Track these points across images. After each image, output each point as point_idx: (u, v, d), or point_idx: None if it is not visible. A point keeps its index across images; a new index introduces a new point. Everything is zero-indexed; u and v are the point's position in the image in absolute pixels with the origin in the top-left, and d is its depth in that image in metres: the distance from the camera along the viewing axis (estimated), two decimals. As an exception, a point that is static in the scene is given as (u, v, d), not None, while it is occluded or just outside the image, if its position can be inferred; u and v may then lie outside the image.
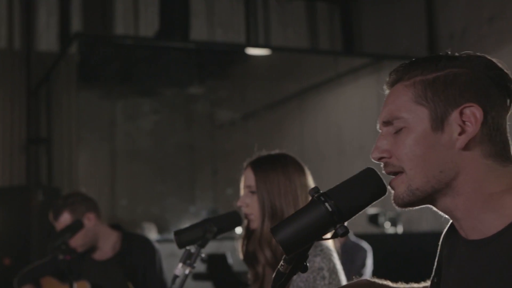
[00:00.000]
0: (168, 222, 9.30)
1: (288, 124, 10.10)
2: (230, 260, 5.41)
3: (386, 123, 1.38)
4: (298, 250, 1.32)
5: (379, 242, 6.52)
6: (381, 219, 7.82)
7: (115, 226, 3.77)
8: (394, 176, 1.37)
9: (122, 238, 3.71)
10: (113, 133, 9.78)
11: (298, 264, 1.37)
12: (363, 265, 5.19)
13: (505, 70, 1.35)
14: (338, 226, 1.29)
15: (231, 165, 10.40)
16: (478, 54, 1.36)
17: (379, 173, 1.33)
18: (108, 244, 3.67)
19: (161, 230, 8.42)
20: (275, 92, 10.33)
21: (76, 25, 8.49)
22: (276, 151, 2.47)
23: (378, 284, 1.60)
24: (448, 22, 8.07)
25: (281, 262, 1.36)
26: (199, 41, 8.64)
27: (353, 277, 1.65)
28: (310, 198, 2.39)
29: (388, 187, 1.35)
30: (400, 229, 7.83)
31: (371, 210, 7.87)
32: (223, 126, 10.72)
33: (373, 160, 1.39)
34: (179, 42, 8.14)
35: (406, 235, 7.78)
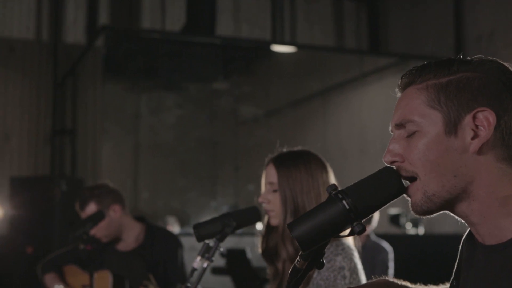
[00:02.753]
0: (189, 216, 9.34)
1: (311, 122, 10.09)
2: (249, 255, 5.43)
3: (399, 125, 1.37)
4: (315, 247, 1.32)
5: (400, 242, 6.49)
6: (402, 220, 7.79)
7: (139, 218, 3.81)
8: (407, 180, 1.36)
9: (146, 231, 3.74)
10: (137, 126, 9.83)
11: (315, 260, 1.37)
12: (384, 265, 5.17)
13: None
14: (355, 224, 1.29)
15: (253, 161, 10.41)
16: (491, 58, 1.36)
17: (397, 172, 1.34)
18: (131, 236, 3.71)
19: (181, 223, 8.46)
20: (299, 90, 10.32)
21: (103, 18, 8.56)
22: (299, 148, 2.47)
23: (397, 284, 1.59)
24: (475, 25, 8.00)
25: (298, 258, 1.37)
26: (224, 37, 8.66)
27: (372, 276, 1.65)
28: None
29: (404, 195, 1.35)
30: (421, 231, 7.80)
31: (392, 210, 7.84)
32: (246, 122, 10.74)
33: (385, 163, 1.38)
34: (205, 37, 8.17)
35: (427, 237, 7.75)
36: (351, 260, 2.27)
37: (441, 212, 1.36)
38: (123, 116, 9.56)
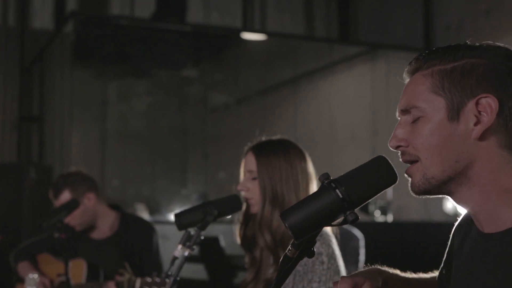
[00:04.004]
0: (159, 204, 9.29)
1: (281, 110, 10.10)
2: (222, 243, 5.43)
3: (404, 111, 1.40)
4: (307, 236, 1.33)
5: (369, 230, 6.55)
6: (371, 207, 7.85)
7: (114, 207, 3.79)
8: (410, 165, 1.39)
9: (121, 219, 3.73)
10: (106, 113, 9.75)
11: (306, 249, 1.38)
12: (355, 252, 5.21)
13: None
14: (348, 213, 1.30)
15: (223, 149, 10.41)
16: (499, 44, 1.37)
17: (390, 161, 1.35)
18: (106, 224, 3.69)
19: (152, 212, 8.42)
20: (269, 78, 10.32)
21: (71, 3, 8.43)
22: (277, 137, 2.49)
23: (388, 272, 1.61)
24: (444, 14, 8.08)
25: (289, 247, 1.37)
26: (195, 24, 8.61)
27: (365, 265, 1.66)
28: (311, 183, 2.42)
29: (405, 175, 1.38)
30: (390, 218, 7.88)
31: (361, 198, 7.88)
32: (216, 110, 10.72)
33: (390, 148, 1.40)
34: (175, 24, 8.11)
35: (395, 224, 7.83)
36: (329, 246, 2.30)
37: (440, 195, 1.38)
38: (91, 103, 9.47)
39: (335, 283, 1.52)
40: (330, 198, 1.29)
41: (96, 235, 3.71)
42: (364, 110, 8.88)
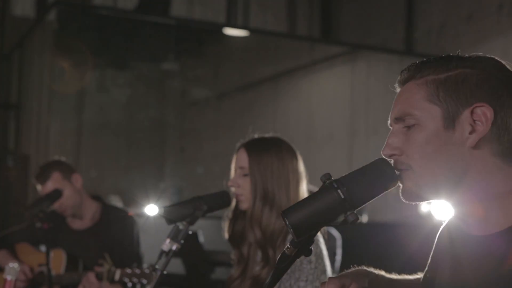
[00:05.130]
0: (136, 197, 9.25)
1: (260, 107, 10.11)
2: (201, 239, 5.43)
3: (398, 119, 1.41)
4: (308, 235, 1.34)
5: (344, 230, 6.59)
6: (346, 207, 7.87)
7: (95, 198, 3.79)
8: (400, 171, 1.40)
9: (102, 209, 3.73)
10: (84, 103, 9.67)
11: (304, 247, 1.40)
12: (332, 252, 5.23)
13: None
14: (349, 213, 1.32)
15: (201, 143, 10.39)
16: (488, 56, 1.40)
17: (391, 164, 1.36)
18: (88, 214, 3.70)
19: (127, 204, 8.36)
20: (250, 74, 10.31)
21: (53, -8, 8.35)
22: (270, 134, 2.51)
23: (374, 273, 1.64)
24: (426, 17, 8.14)
25: (288, 245, 1.39)
26: (178, 18, 8.58)
27: (351, 266, 1.68)
28: (301, 182, 2.44)
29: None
30: (365, 218, 7.93)
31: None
32: (196, 104, 10.69)
33: (384, 156, 1.41)
34: (158, 17, 8.08)
35: (371, 224, 7.88)
36: (317, 245, 2.32)
37: (430, 200, 1.40)
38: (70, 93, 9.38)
39: (323, 283, 1.54)
40: (332, 198, 1.31)
41: (77, 225, 3.71)
42: (343, 110, 8.91)
